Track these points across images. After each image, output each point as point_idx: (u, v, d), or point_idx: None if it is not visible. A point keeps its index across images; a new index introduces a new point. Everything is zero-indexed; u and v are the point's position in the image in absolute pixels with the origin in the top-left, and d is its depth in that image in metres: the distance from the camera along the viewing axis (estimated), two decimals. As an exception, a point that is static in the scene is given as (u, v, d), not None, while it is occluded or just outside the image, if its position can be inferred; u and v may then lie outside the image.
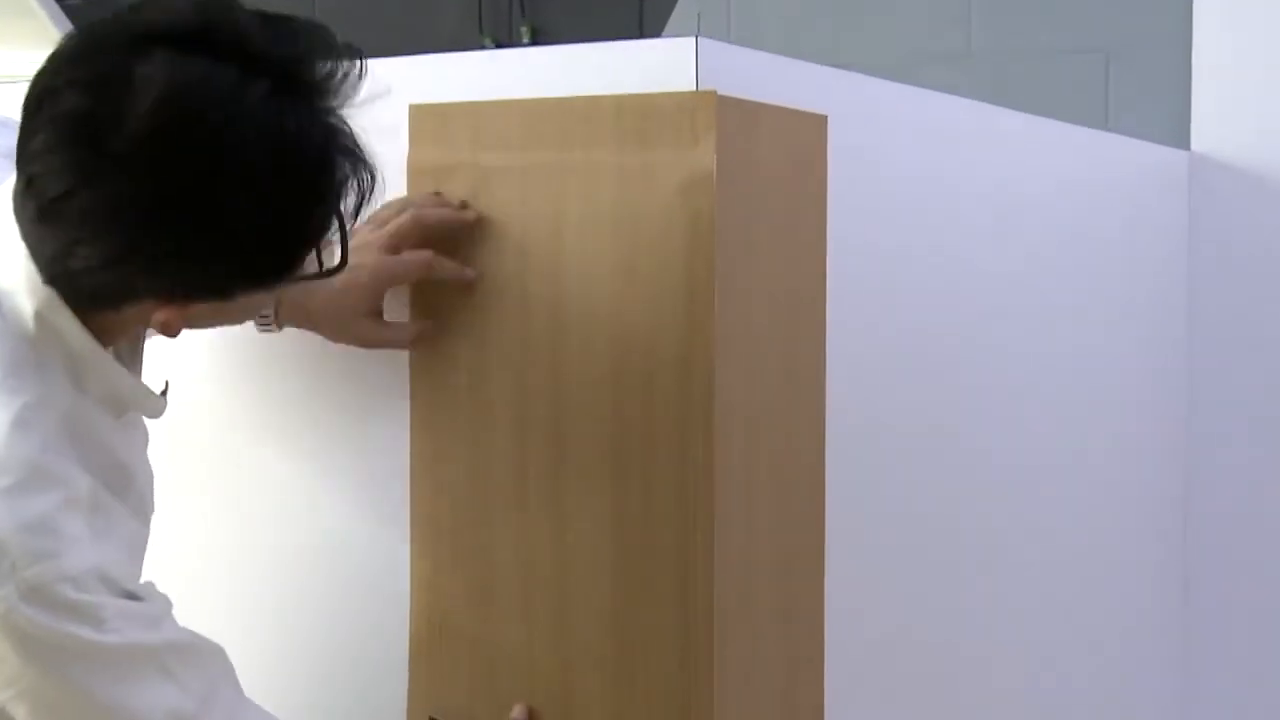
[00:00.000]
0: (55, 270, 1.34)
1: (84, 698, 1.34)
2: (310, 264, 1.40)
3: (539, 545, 1.64)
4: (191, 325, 1.43)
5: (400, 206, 1.64)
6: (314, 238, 1.37)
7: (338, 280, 1.49)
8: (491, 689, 1.66)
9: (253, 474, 1.84)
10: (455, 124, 1.67)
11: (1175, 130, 3.11)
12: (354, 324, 1.65)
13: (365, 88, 1.39)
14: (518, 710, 1.63)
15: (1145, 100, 3.55)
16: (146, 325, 1.43)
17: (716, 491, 1.56)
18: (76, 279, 1.34)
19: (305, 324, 1.67)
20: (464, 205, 1.64)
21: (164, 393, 1.53)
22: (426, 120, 1.68)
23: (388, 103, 1.71)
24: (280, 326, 1.67)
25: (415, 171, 1.69)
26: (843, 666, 1.80)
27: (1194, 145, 2.97)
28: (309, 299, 1.63)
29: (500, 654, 1.66)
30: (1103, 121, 3.59)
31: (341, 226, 1.39)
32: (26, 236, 1.34)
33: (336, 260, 1.42)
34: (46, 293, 1.37)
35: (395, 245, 1.63)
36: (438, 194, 1.65)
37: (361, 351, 1.71)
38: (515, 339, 1.64)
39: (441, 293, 1.68)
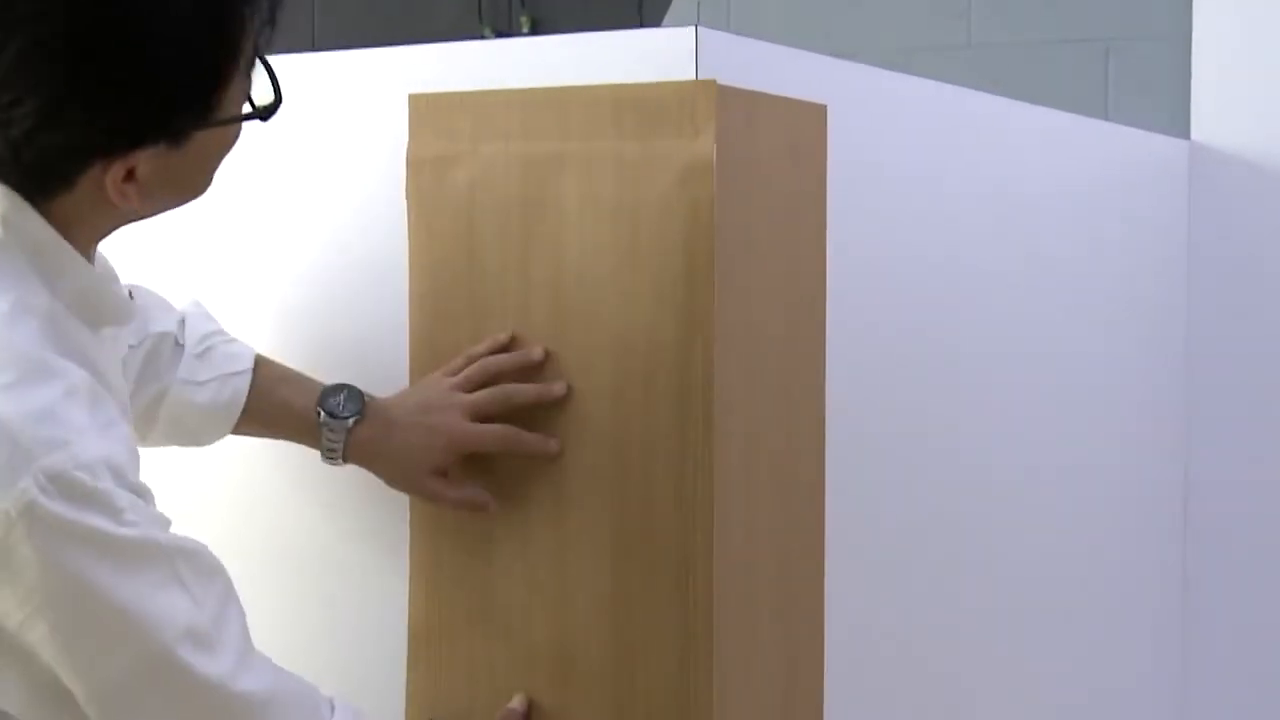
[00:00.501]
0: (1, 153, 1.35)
1: (104, 602, 1.32)
2: (241, 101, 1.42)
3: (538, 545, 1.64)
4: (151, 203, 1.42)
5: (485, 365, 1.64)
6: (232, 42, 1.39)
7: (415, 435, 1.58)
8: (491, 691, 1.66)
9: (249, 476, 1.84)
10: (455, 114, 1.66)
11: (1175, 120, 3.11)
12: (420, 479, 1.65)
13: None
14: (517, 700, 1.63)
15: (1145, 90, 3.55)
16: (106, 220, 1.42)
17: (716, 491, 1.56)
18: (21, 154, 1.34)
19: (371, 466, 1.67)
20: (544, 362, 1.63)
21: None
22: (426, 110, 1.68)
23: (388, 92, 1.72)
24: (345, 462, 1.66)
25: (415, 161, 1.68)
26: (843, 666, 1.80)
27: (1194, 135, 2.97)
28: (380, 445, 1.64)
29: (499, 655, 1.66)
30: (1102, 112, 3.59)
31: (265, 63, 1.43)
32: None
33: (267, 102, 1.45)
34: (2, 190, 1.37)
35: (479, 413, 1.63)
36: (513, 341, 1.64)
37: (359, 344, 1.71)
38: (514, 326, 1.64)
39: (440, 282, 1.68)
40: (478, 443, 1.63)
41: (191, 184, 1.47)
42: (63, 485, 1.30)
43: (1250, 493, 2.93)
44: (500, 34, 4.69)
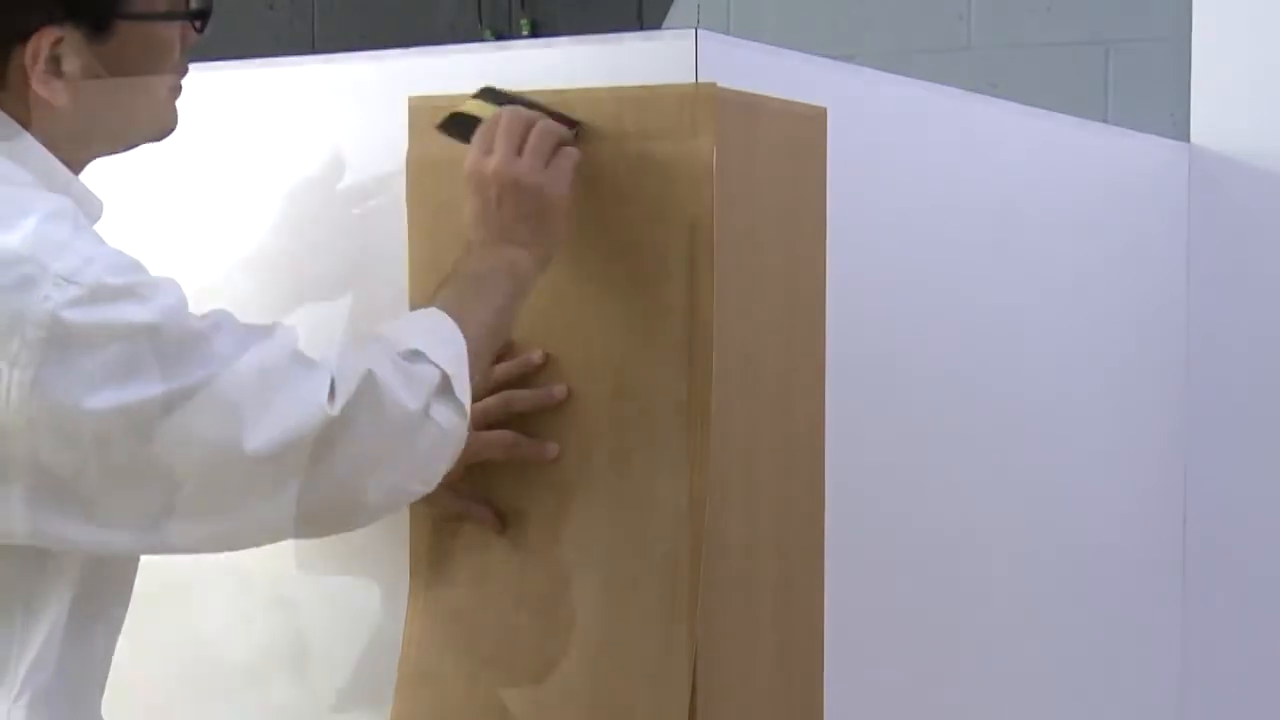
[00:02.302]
0: None
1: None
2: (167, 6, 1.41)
3: (538, 545, 1.63)
4: (83, 114, 1.39)
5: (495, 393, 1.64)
6: None
7: None
8: (485, 692, 1.66)
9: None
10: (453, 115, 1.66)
11: (1175, 123, 3.11)
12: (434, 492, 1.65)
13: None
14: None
15: (1145, 94, 3.55)
16: (49, 132, 1.39)
17: (716, 491, 1.56)
18: None
19: None
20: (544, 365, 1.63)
21: None
22: (426, 112, 1.68)
23: (388, 96, 1.72)
24: None
25: (414, 164, 1.68)
26: (843, 666, 1.80)
27: (1193, 138, 2.97)
28: None
29: (495, 646, 1.66)
30: (1102, 115, 3.59)
31: None
32: None
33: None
34: None
35: (483, 421, 1.63)
36: (510, 347, 1.64)
37: (356, 321, 1.71)
38: (518, 328, 1.64)
39: (439, 278, 1.67)
40: (483, 450, 1.63)
41: (129, 98, 1.43)
42: (85, 284, 1.29)
43: (1250, 495, 2.93)
44: (500, 37, 4.69)
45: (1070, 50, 3.69)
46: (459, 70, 1.73)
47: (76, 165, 1.44)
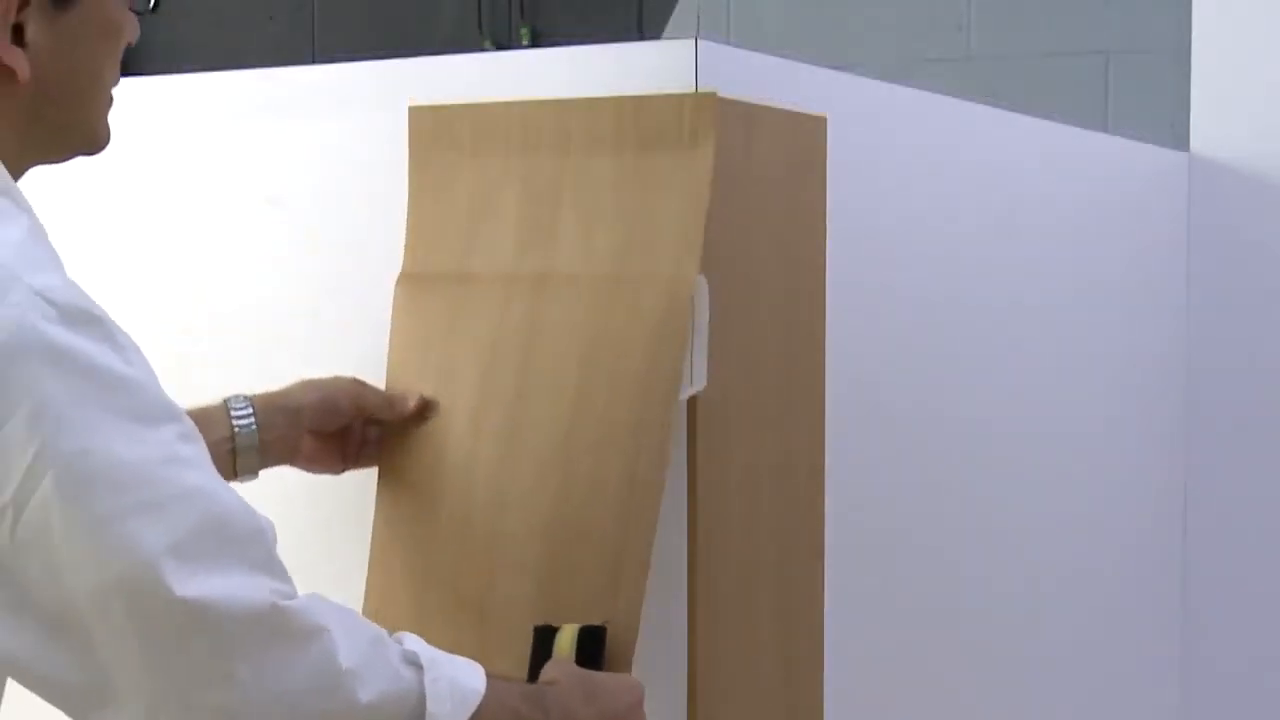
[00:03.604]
0: None
1: (109, 456, 1.18)
2: None
3: (528, 548, 1.63)
4: (42, 74, 1.33)
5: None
6: None
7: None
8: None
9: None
10: (455, 125, 1.67)
11: (1174, 132, 3.12)
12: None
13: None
14: None
15: (1144, 102, 3.56)
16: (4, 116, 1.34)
17: (715, 491, 1.56)
18: None
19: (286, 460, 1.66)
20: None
21: None
22: (426, 121, 1.68)
23: (388, 104, 1.72)
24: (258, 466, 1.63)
25: (415, 172, 1.69)
26: (843, 666, 1.80)
27: (1193, 147, 2.97)
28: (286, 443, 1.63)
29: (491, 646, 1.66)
30: (1102, 123, 3.60)
31: None
32: None
33: None
34: None
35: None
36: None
37: (354, 354, 1.72)
38: (509, 334, 1.64)
39: (436, 292, 1.67)
40: (367, 400, 1.65)
41: (81, 85, 1.38)
42: (60, 305, 1.19)
43: (1248, 493, 2.93)
44: (500, 46, 4.70)
45: (1070, 60, 3.70)
46: (459, 79, 1.73)
47: (15, 172, 1.37)
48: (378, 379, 1.70)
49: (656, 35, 4.37)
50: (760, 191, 1.63)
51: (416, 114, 1.69)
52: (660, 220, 1.56)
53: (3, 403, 1.18)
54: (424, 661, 1.32)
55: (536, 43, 4.66)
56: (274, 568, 1.26)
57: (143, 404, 1.22)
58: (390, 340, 1.69)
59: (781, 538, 1.68)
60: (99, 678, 1.22)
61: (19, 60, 1.31)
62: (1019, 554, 2.34)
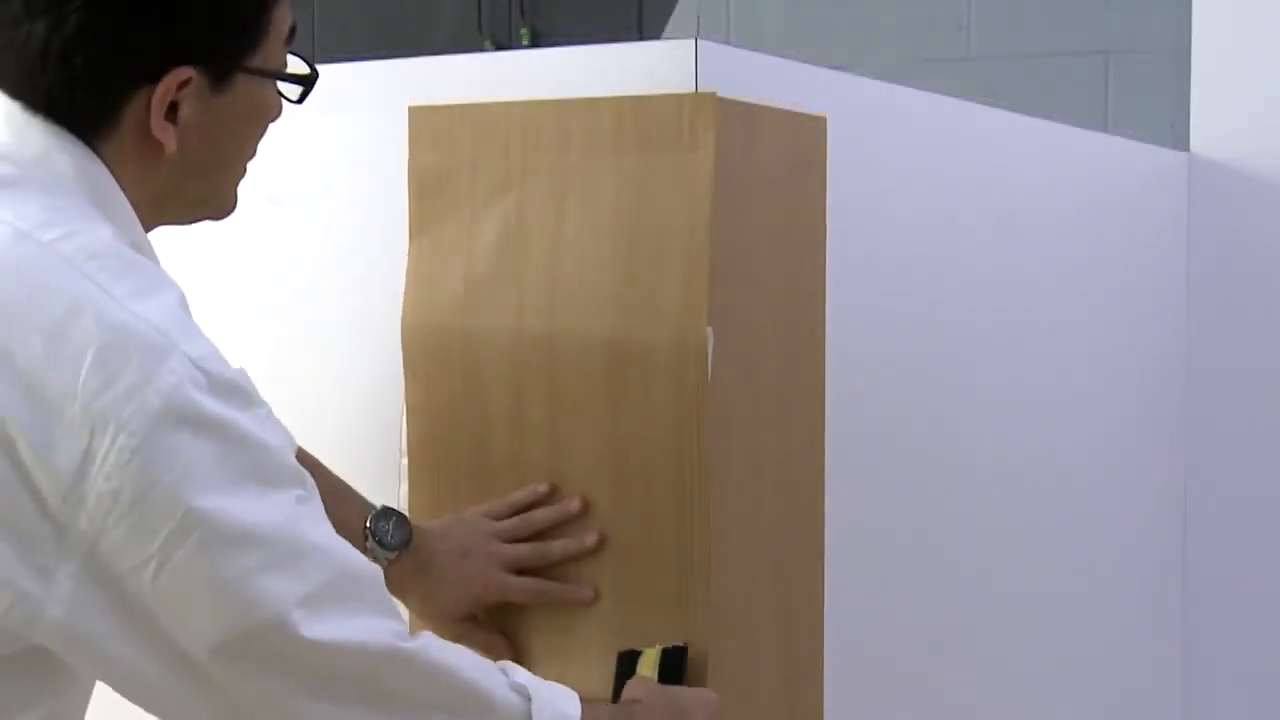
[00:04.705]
0: (43, 85, 1.33)
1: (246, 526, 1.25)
2: (280, 64, 1.42)
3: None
4: (189, 149, 1.38)
5: (528, 521, 1.64)
6: None
7: (450, 579, 1.61)
8: None
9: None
10: (455, 126, 1.67)
11: (1174, 132, 3.12)
12: (449, 619, 1.65)
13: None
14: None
15: (1144, 102, 3.56)
16: (147, 183, 1.38)
17: (716, 491, 1.56)
18: (59, 93, 1.33)
19: (399, 595, 1.61)
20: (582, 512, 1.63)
21: None
22: (426, 122, 1.68)
23: (388, 104, 1.72)
24: None
25: (415, 173, 1.69)
26: (843, 666, 1.80)
27: (1193, 147, 2.97)
28: (415, 581, 1.63)
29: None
30: (1102, 124, 3.60)
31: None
32: (13, 72, 1.33)
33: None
34: (68, 136, 1.34)
35: (516, 566, 1.64)
36: (553, 492, 1.64)
37: (355, 357, 1.71)
38: (511, 340, 1.64)
39: (438, 294, 1.68)
40: (510, 596, 1.64)
41: (224, 161, 1.44)
42: (211, 375, 1.26)
43: (1249, 501, 2.93)
44: (500, 46, 4.70)
45: (1070, 60, 3.70)
46: (459, 79, 1.73)
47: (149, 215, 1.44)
48: (379, 382, 1.71)
49: (656, 35, 4.37)
50: (760, 192, 1.63)
51: (416, 114, 1.69)
52: (663, 222, 1.56)
53: (158, 465, 1.23)
54: (530, 692, 1.40)
55: (536, 43, 4.66)
56: (392, 609, 1.36)
57: (274, 467, 1.30)
58: (403, 349, 1.69)
59: (781, 538, 1.68)
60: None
61: (169, 136, 1.36)
62: (1019, 554, 2.34)
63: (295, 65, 1.45)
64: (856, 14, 3.93)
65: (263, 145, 1.78)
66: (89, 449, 1.23)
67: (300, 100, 1.47)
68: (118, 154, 1.37)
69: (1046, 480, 2.43)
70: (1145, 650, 2.86)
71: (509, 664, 1.44)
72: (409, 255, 1.70)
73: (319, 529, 1.32)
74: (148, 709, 1.32)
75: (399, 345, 1.71)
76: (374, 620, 1.32)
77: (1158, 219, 2.88)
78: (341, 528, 1.53)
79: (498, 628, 1.65)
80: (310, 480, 1.34)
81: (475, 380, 1.66)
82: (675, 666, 1.56)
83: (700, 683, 1.56)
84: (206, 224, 1.86)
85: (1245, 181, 2.92)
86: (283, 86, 1.45)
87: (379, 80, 1.80)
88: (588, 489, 1.61)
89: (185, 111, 1.36)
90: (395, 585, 1.62)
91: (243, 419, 1.27)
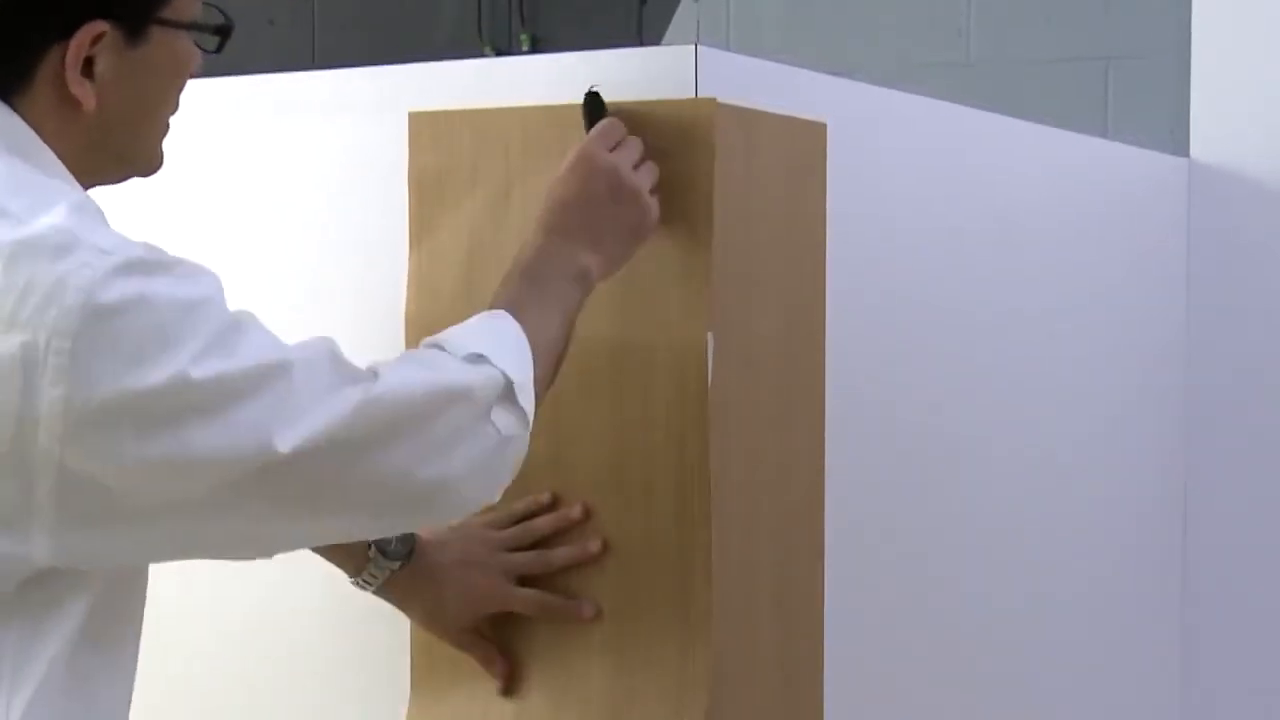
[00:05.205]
0: None
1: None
2: (195, 7, 1.41)
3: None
4: (107, 121, 1.38)
5: (530, 530, 1.64)
6: None
7: (452, 589, 1.61)
8: (495, 712, 1.66)
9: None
10: (455, 131, 1.67)
11: (1174, 138, 3.12)
12: (452, 630, 1.65)
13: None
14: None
15: (1144, 108, 3.56)
16: (69, 140, 1.38)
17: (717, 496, 1.56)
18: None
19: (401, 606, 1.66)
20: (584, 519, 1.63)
21: None
22: (426, 127, 1.68)
23: (389, 109, 1.72)
24: (375, 594, 1.64)
25: (415, 178, 1.69)
26: (843, 666, 1.80)
27: (1193, 153, 2.97)
28: (417, 591, 1.63)
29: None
30: (1102, 129, 3.60)
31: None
32: None
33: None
34: None
35: (519, 575, 1.64)
36: (555, 500, 1.64)
37: (356, 356, 1.71)
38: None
39: (438, 300, 1.68)
40: (514, 606, 1.64)
41: (143, 114, 1.42)
42: (120, 256, 1.26)
43: (1248, 507, 2.93)
44: (500, 52, 4.70)
45: (1070, 65, 3.70)
46: (459, 84, 1.73)
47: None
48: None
49: (656, 41, 4.37)
50: (760, 197, 1.63)
51: (416, 119, 1.69)
52: (663, 227, 1.56)
53: (97, 358, 1.24)
54: (485, 351, 1.41)
55: (536, 48, 4.66)
56: (347, 369, 1.36)
57: (205, 318, 1.29)
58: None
59: (781, 538, 1.68)
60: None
61: (86, 92, 1.36)
62: (1019, 555, 2.34)
63: (210, 16, 1.44)
64: (856, 19, 3.93)
65: (261, 150, 1.79)
66: (28, 362, 1.24)
67: (218, 50, 1.46)
68: (35, 112, 1.37)
69: (1046, 481, 2.43)
70: (1145, 650, 2.86)
71: (443, 341, 1.44)
72: (409, 260, 1.70)
73: (258, 341, 1.32)
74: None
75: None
76: (333, 395, 1.32)
77: (1158, 224, 2.88)
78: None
79: (498, 636, 1.65)
80: (245, 311, 1.34)
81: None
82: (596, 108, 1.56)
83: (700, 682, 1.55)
84: (209, 229, 1.86)
85: (1245, 187, 2.92)
86: (201, 38, 1.44)
87: (379, 85, 1.80)
88: (589, 496, 1.61)
89: (101, 67, 1.36)
90: (399, 596, 1.63)
91: (162, 286, 1.27)
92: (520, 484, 1.63)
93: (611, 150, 1.53)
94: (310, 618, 1.83)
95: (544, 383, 1.47)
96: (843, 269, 1.78)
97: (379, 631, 1.74)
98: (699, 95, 1.59)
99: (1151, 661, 2.88)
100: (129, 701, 1.40)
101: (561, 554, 1.62)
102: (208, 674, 1.87)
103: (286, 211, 1.84)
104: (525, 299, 1.48)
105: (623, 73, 1.64)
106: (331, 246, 1.81)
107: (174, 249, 1.78)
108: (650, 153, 1.56)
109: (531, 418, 1.44)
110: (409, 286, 1.70)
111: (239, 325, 1.31)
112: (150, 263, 1.28)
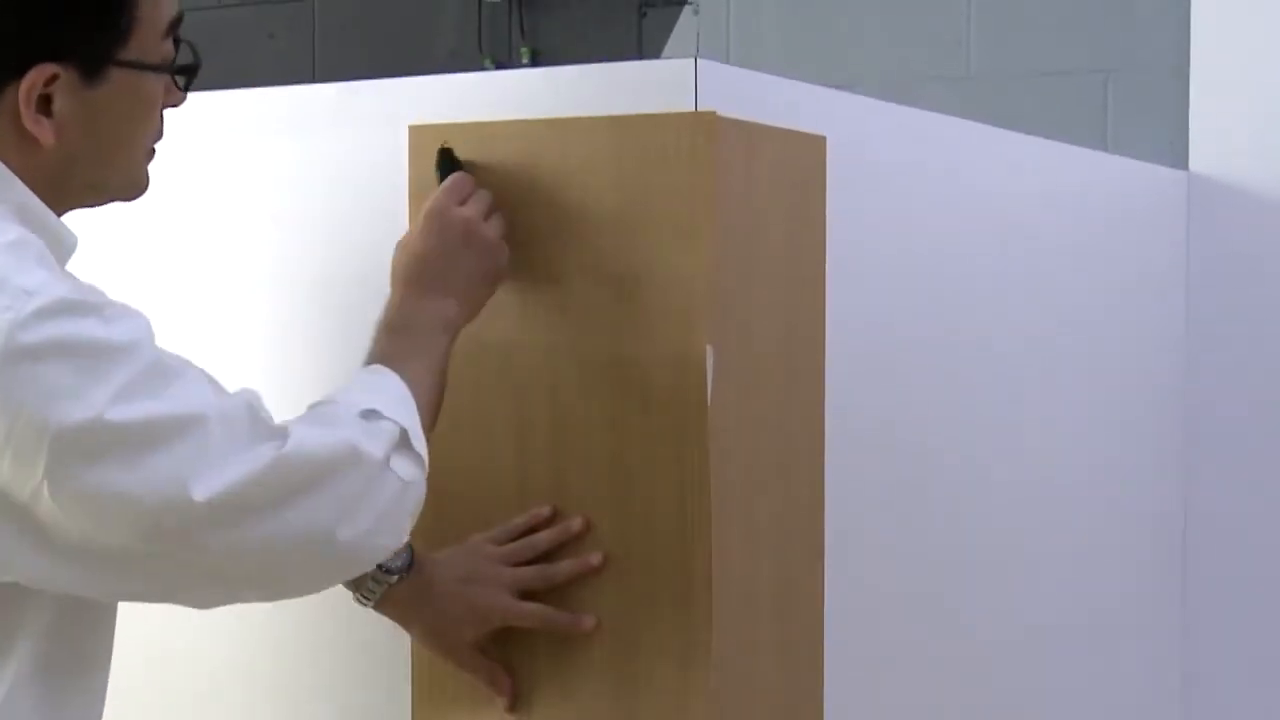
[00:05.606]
0: None
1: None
2: (161, 48, 1.42)
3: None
4: (71, 158, 1.40)
5: (531, 544, 1.63)
6: None
7: (453, 605, 1.61)
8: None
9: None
10: (455, 145, 1.67)
11: (1174, 150, 3.12)
12: (455, 647, 1.65)
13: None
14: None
15: (1144, 121, 3.56)
16: (32, 172, 1.39)
17: (717, 508, 1.57)
18: None
19: (401, 621, 1.65)
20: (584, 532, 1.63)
21: None
22: (427, 141, 1.68)
23: (389, 123, 1.72)
24: (375, 610, 1.64)
25: (416, 192, 1.69)
26: (843, 666, 1.80)
27: (1192, 165, 2.98)
28: (417, 608, 1.63)
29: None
30: (1101, 142, 3.60)
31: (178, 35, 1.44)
32: None
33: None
34: None
35: (521, 590, 1.63)
36: (555, 515, 1.64)
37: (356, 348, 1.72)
38: (511, 359, 1.64)
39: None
40: (517, 621, 1.63)
41: (111, 149, 1.44)
42: (45, 298, 1.28)
43: (1247, 513, 2.93)
44: (500, 65, 4.70)
45: (1069, 78, 3.70)
46: (459, 98, 1.74)
47: (56, 212, 1.43)
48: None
49: (656, 54, 4.38)
50: (760, 211, 1.63)
51: (417, 133, 1.69)
52: (662, 241, 1.56)
53: (17, 398, 1.27)
54: (376, 406, 1.44)
55: (536, 62, 4.66)
56: (265, 428, 1.37)
57: (128, 361, 1.30)
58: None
59: (782, 550, 1.68)
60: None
61: (43, 129, 1.38)
62: (1019, 556, 2.35)
63: (182, 55, 1.45)
64: (856, 32, 3.93)
65: (261, 163, 1.79)
66: None
67: (185, 88, 1.47)
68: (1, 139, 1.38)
69: (1046, 489, 2.43)
70: (1145, 652, 2.86)
71: (335, 399, 1.45)
72: (410, 274, 1.70)
73: (180, 388, 1.33)
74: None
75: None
76: (249, 451, 1.34)
77: (1157, 237, 2.89)
78: None
79: (500, 654, 1.65)
80: (175, 356, 1.35)
81: (475, 400, 1.66)
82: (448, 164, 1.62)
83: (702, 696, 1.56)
84: (203, 242, 1.87)
85: (1244, 200, 2.92)
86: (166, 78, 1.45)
87: (380, 98, 1.80)
88: (589, 509, 1.61)
89: (59, 105, 1.38)
90: (400, 612, 1.62)
91: (85, 328, 1.29)
92: (521, 498, 1.64)
93: (462, 204, 1.58)
94: (311, 637, 1.83)
95: (428, 429, 1.50)
96: (842, 282, 1.78)
97: (380, 652, 1.74)
98: (699, 109, 1.59)
99: (1152, 661, 2.88)
100: None
101: (563, 568, 1.62)
102: (209, 694, 1.87)
103: (286, 224, 1.84)
104: (399, 352, 1.52)
105: (623, 86, 1.64)
106: (332, 260, 1.81)
107: (172, 262, 1.79)
108: (648, 166, 1.56)
109: (427, 461, 1.46)
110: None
111: (164, 370, 1.33)
112: (75, 304, 1.30)
